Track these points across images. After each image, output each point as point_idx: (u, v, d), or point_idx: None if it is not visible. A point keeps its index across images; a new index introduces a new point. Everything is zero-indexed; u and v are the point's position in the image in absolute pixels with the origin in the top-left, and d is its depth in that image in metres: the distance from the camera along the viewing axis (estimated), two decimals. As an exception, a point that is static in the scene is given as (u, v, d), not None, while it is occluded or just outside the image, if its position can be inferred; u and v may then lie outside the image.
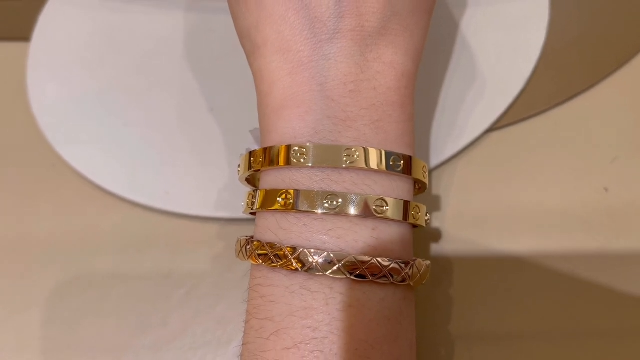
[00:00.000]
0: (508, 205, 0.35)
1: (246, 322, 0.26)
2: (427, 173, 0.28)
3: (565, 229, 0.34)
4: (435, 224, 0.35)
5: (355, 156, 0.25)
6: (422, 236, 0.34)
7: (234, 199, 0.35)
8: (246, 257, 0.26)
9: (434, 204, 0.35)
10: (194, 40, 0.42)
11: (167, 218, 0.37)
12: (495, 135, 0.37)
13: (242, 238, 0.27)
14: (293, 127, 0.26)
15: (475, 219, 0.35)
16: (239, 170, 0.29)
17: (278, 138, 0.26)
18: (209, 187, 0.37)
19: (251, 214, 0.28)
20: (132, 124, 0.39)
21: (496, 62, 0.38)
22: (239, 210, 0.33)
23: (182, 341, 0.34)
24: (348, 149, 0.25)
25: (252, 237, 0.27)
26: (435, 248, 0.34)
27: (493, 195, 0.35)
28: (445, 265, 0.34)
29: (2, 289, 0.36)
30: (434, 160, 0.36)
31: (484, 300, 0.33)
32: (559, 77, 0.38)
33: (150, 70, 0.41)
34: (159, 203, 0.37)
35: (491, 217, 0.35)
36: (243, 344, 0.26)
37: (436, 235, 0.35)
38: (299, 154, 0.25)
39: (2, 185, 0.39)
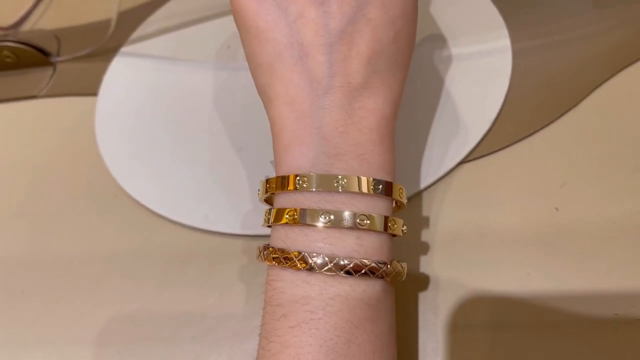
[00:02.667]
0: (477, 223, 0.37)
1: (263, 308, 0.30)
2: (404, 194, 0.31)
3: (523, 241, 0.35)
4: (426, 239, 0.37)
5: (344, 182, 0.28)
6: (410, 248, 0.36)
7: (260, 221, 0.37)
8: (263, 260, 0.30)
9: (417, 223, 0.37)
10: (227, 93, 0.45)
11: (206, 236, 0.40)
12: (467, 166, 0.39)
13: (260, 245, 0.31)
14: (297, 161, 0.29)
15: (451, 235, 0.37)
16: (258, 193, 0.32)
17: (286, 169, 0.30)
18: (240, 211, 0.39)
19: (268, 226, 0.31)
20: (178, 162, 0.42)
21: (468, 106, 0.40)
22: (263, 228, 0.35)
23: (217, 332, 0.36)
24: (338, 177, 0.28)
25: (268, 245, 0.31)
26: (422, 258, 0.36)
27: (465, 215, 0.37)
28: (428, 270, 0.36)
29: (74, 295, 0.39)
30: (416, 187, 0.38)
31: (458, 295, 0.35)
32: (520, 118, 0.39)
33: (193, 118, 0.44)
34: (200, 224, 0.40)
35: (464, 233, 0.36)
36: (261, 325, 0.29)
37: (422, 247, 0.37)
38: (301, 181, 0.28)
39: (74, 213, 0.43)
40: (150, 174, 0.42)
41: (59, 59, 0.50)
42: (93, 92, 0.47)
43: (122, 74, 0.48)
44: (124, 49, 0.49)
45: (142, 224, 0.41)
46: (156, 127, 0.44)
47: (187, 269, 0.39)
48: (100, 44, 0.49)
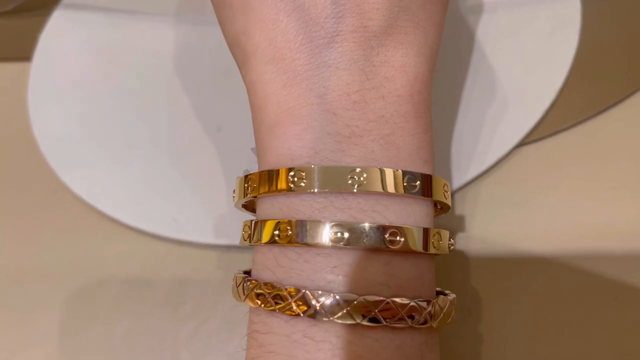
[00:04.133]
0: (541, 224, 0.33)
1: None
2: (448, 192, 0.25)
3: (605, 249, 0.32)
4: (461, 246, 0.33)
5: (362, 178, 0.22)
6: (447, 261, 0.32)
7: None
8: (242, 298, 0.24)
9: (460, 225, 0.34)
10: (200, 56, 0.41)
11: (175, 246, 0.35)
12: (526, 149, 0.35)
13: (238, 275, 0.25)
14: (289, 147, 0.23)
15: (505, 240, 0.33)
16: (234, 197, 0.26)
17: (273, 160, 0.24)
18: (219, 213, 0.35)
19: (250, 245, 0.25)
20: (137, 146, 0.38)
21: (525, 73, 0.37)
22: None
23: (192, 381, 0.32)
24: (353, 170, 0.22)
25: (249, 274, 0.25)
26: (462, 274, 0.32)
27: (525, 213, 0.33)
28: (472, 294, 0.32)
29: (3, 324, 0.35)
30: (462, 179, 0.34)
31: (516, 333, 0.31)
32: (594, 87, 0.36)
33: (155, 88, 0.40)
34: (166, 230, 0.35)
35: (523, 238, 0.33)
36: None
37: (462, 260, 0.33)
38: (296, 178, 0.22)
39: (2, 213, 0.39)
40: (101, 164, 0.38)
41: (-17, 15, 0.47)
42: (26, 56, 0.43)
43: (63, 32, 0.43)
44: (66, 0, 0.45)
45: (91, 231, 0.37)
46: (108, 101, 0.40)
47: (150, 291, 0.35)
48: (35, -6, 0.47)
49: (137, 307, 0.34)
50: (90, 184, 0.37)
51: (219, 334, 0.33)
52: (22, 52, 0.43)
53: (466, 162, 0.34)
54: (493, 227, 0.33)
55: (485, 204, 0.34)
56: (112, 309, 0.34)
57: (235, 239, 0.34)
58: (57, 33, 0.43)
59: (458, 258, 0.32)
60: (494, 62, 0.37)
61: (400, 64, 0.24)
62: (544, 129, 0.35)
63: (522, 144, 0.35)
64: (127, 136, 0.39)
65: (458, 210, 0.34)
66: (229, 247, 0.35)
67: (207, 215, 0.35)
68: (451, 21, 0.38)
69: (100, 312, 0.34)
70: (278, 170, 0.23)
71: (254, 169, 0.26)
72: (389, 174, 0.22)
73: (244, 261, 0.34)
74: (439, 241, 0.23)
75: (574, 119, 0.35)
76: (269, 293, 0.22)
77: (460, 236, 0.33)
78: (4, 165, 0.40)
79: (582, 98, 0.36)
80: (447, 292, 0.25)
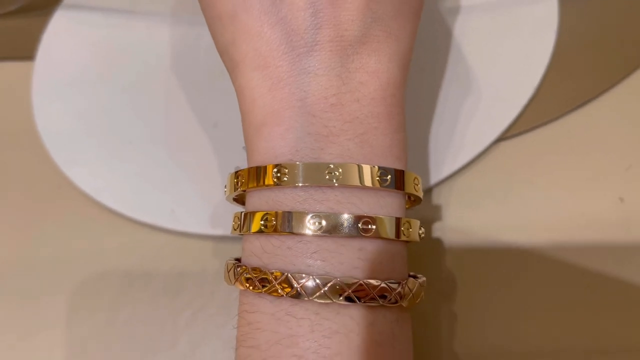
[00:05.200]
0: (518, 217, 0.34)
1: (235, 349, 0.26)
2: (419, 185, 0.27)
3: (579, 242, 0.33)
4: (440, 237, 0.34)
5: (338, 173, 0.24)
6: (426, 251, 0.33)
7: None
8: (232, 281, 0.26)
9: (439, 217, 0.35)
10: (198, 55, 0.41)
11: (173, 237, 0.36)
12: (505, 144, 0.36)
13: (229, 261, 0.27)
14: (273, 146, 0.25)
15: (484, 231, 0.34)
16: (225, 191, 0.28)
17: (259, 157, 0.26)
18: (216, 205, 0.36)
19: (240, 235, 0.28)
20: (136, 142, 0.39)
21: (504, 71, 0.37)
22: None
23: (190, 364, 0.33)
24: (330, 166, 0.24)
25: (239, 260, 0.27)
26: (440, 263, 0.33)
27: (503, 207, 0.34)
28: (449, 280, 0.33)
29: (8, 313, 0.36)
30: (442, 173, 0.35)
31: (490, 317, 0.32)
32: (570, 83, 0.37)
33: (154, 86, 0.41)
34: (165, 222, 0.36)
35: (500, 230, 0.34)
36: (233, 375, 0.25)
37: (441, 249, 0.34)
38: (279, 174, 0.25)
39: (7, 206, 0.39)
40: (102, 158, 0.39)
41: (-14, 15, 0.47)
42: (29, 56, 0.43)
43: (65, 32, 0.44)
44: (67, 1, 0.45)
45: (93, 223, 0.37)
46: (108, 98, 0.40)
47: (150, 280, 0.36)
48: (37, -5, 0.46)
49: (137, 296, 0.35)
50: (92, 178, 0.38)
51: (216, 320, 0.34)
52: (26, 51, 0.43)
53: (446, 157, 0.35)
54: (472, 218, 0.34)
55: (464, 197, 0.35)
56: (114, 298, 0.35)
57: (230, 229, 0.34)
58: (59, 32, 0.43)
59: (437, 247, 0.33)
60: (473, 61, 0.37)
61: (374, 70, 0.26)
62: (521, 125, 0.36)
63: (500, 139, 0.36)
64: (127, 132, 0.39)
65: (438, 202, 0.34)
66: (224, 237, 0.36)
67: (203, 207, 0.36)
68: (431, 21, 0.38)
69: (103, 301, 0.35)
70: (265, 167, 0.25)
71: (245, 165, 0.27)
72: (364, 169, 0.24)
73: (238, 251, 0.34)
74: (408, 229, 0.25)
75: (551, 115, 0.36)
76: (256, 277, 0.24)
77: (439, 228, 0.34)
78: (10, 160, 0.40)
79: (558, 95, 0.36)
80: (418, 275, 0.27)
